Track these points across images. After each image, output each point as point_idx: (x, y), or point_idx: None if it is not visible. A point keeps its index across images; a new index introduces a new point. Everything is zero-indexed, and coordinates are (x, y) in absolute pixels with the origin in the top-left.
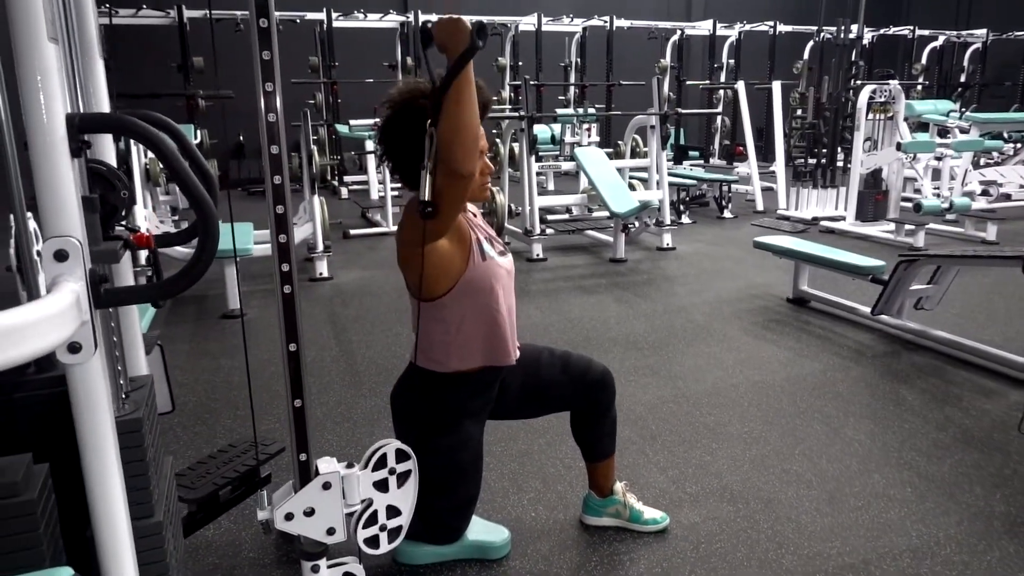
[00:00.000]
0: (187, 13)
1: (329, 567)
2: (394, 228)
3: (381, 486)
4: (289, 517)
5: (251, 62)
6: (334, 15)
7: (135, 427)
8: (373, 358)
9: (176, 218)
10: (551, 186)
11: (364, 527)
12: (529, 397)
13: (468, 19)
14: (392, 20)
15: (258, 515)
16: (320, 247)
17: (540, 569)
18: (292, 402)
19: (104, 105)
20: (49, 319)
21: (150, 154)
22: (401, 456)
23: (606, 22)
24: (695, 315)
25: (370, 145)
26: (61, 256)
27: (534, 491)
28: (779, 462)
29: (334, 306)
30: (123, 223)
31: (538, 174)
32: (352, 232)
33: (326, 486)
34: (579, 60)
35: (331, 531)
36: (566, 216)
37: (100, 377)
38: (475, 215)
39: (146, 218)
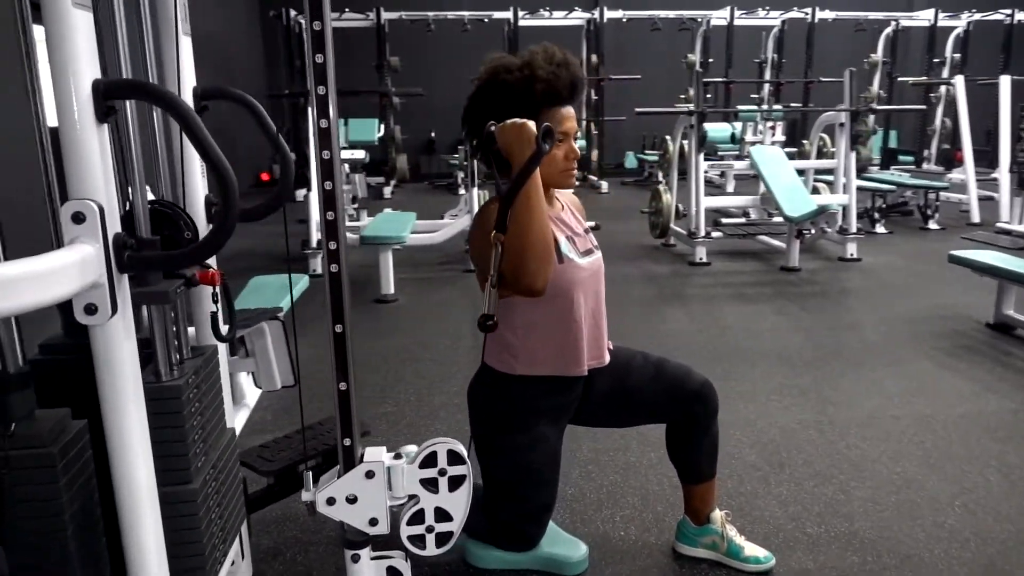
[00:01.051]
0: (384, 15)
1: (373, 559)
2: None
3: (430, 485)
4: (331, 502)
5: (444, 61)
6: (520, 13)
7: (173, 394)
8: None
9: (356, 206)
10: (731, 188)
11: (409, 524)
12: (616, 403)
13: (532, 123)
14: (578, 17)
15: (302, 495)
16: None
17: None
18: (337, 385)
19: (187, 81)
20: (49, 274)
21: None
22: (454, 458)
23: (807, 14)
24: (867, 333)
25: None
26: (78, 218)
27: (630, 508)
28: (931, 513)
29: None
30: None
31: (718, 175)
32: None
33: (369, 474)
34: (775, 56)
35: (374, 522)
36: (742, 220)
37: (122, 341)
38: (562, 207)
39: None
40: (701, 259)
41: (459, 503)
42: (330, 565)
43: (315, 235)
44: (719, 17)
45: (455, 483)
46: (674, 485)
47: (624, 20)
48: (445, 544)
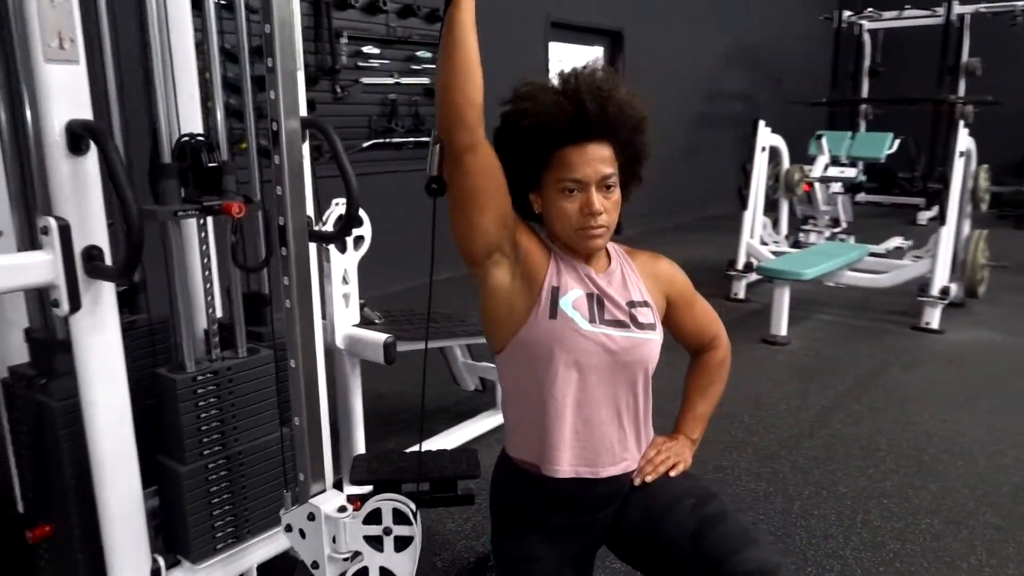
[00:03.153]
0: (957, 9)
1: None
2: None
3: (375, 543)
4: (289, 528)
5: None
6: None
7: (167, 385)
8: (850, 435)
9: (837, 230)
10: None
11: None
12: (643, 551)
13: None
14: None
15: (281, 512)
16: (935, 291)
17: None
18: (293, 419)
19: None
20: (13, 268)
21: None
22: (399, 518)
23: None
24: None
25: None
26: (44, 230)
27: None
28: None
29: (889, 366)
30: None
31: None
32: None
33: (311, 517)
34: None
35: (315, 566)
36: None
37: (87, 333)
38: (613, 269)
39: (764, 226)
40: None
41: (405, 566)
42: None
43: (742, 258)
44: None
45: (401, 544)
46: None
47: None
48: None
